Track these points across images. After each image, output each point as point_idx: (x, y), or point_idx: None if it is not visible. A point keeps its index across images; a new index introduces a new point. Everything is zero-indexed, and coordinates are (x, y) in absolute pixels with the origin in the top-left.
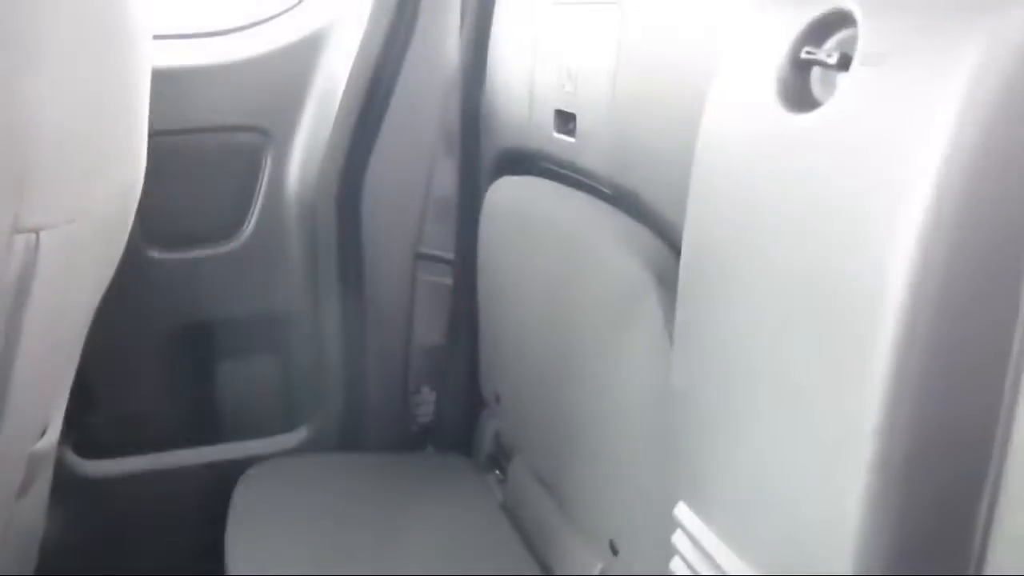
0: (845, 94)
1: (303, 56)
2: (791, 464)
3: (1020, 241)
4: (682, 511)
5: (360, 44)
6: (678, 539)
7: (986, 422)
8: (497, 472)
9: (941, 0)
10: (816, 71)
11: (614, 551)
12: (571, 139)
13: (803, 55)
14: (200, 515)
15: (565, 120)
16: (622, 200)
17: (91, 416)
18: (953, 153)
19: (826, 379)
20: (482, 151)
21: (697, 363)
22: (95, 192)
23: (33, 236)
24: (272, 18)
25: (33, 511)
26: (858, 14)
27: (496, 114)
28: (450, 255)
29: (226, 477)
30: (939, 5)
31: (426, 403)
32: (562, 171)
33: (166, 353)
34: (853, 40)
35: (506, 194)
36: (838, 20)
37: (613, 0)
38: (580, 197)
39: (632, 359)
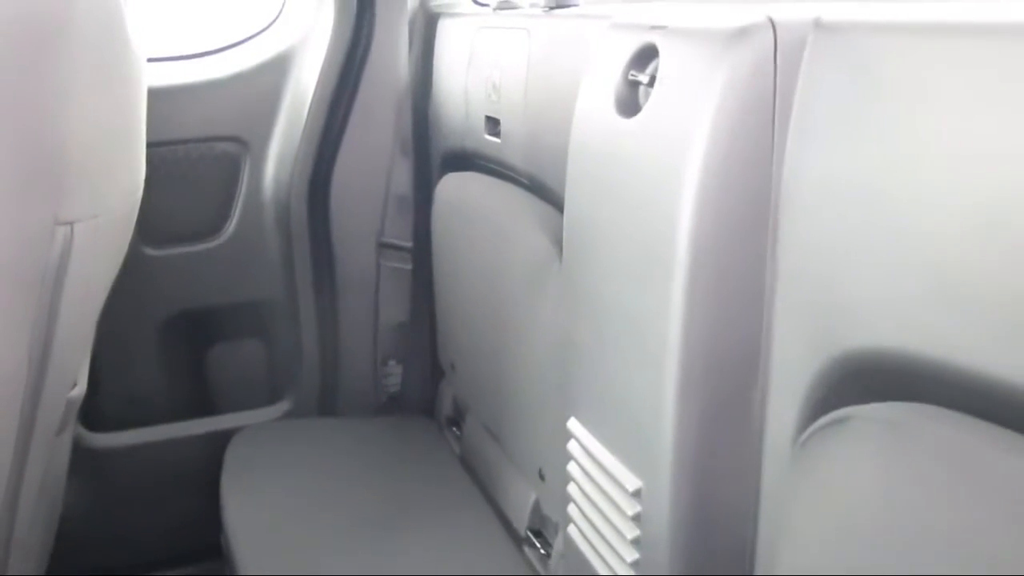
0: (652, 105)
1: (274, 74)
2: (633, 374)
3: (762, 205)
4: (573, 424)
5: (323, 62)
6: (572, 447)
7: (751, 329)
8: (455, 429)
9: (705, 38)
10: (641, 87)
11: (542, 478)
12: (497, 140)
13: (630, 77)
14: (195, 479)
15: (493, 124)
16: (536, 188)
17: (98, 395)
18: (712, 145)
19: (649, 310)
20: (431, 152)
21: (574, 307)
22: (110, 193)
23: (69, 228)
24: (244, 41)
25: (66, 448)
26: (660, 47)
27: (441, 120)
28: (408, 243)
29: (217, 445)
30: (703, 42)
31: (393, 375)
32: (493, 166)
33: (162, 338)
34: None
35: (451, 188)
36: (651, 52)
37: (523, 27)
38: (506, 188)
39: (542, 315)
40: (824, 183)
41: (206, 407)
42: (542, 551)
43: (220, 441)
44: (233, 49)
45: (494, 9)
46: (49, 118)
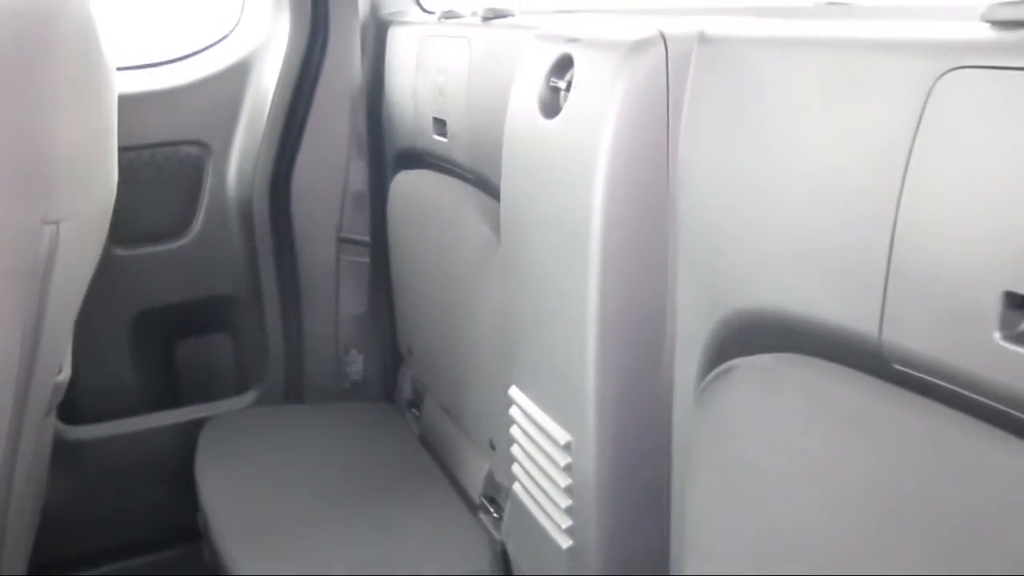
0: (568, 108)
1: (234, 80)
2: (561, 340)
3: (661, 191)
4: (514, 391)
5: (281, 68)
6: (514, 412)
7: (657, 296)
8: (414, 411)
9: (608, 50)
10: (561, 92)
11: (493, 447)
12: (444, 139)
13: (551, 83)
14: (169, 467)
15: (440, 125)
16: (479, 182)
17: (73, 389)
18: (617, 142)
19: (571, 283)
20: (385, 151)
21: (513, 286)
22: (89, 194)
23: (55, 227)
24: (205, 49)
25: (50, 433)
26: (575, 58)
27: (393, 121)
28: (366, 238)
29: (189, 434)
30: (607, 53)
31: (355, 362)
32: (441, 164)
33: (133, 334)
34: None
35: (404, 185)
36: (568, 61)
37: (464, 35)
38: (453, 183)
39: (487, 297)
40: (711, 171)
41: (177, 399)
42: (495, 515)
43: (192, 430)
44: (194, 57)
45: (439, 18)
46: (37, 129)
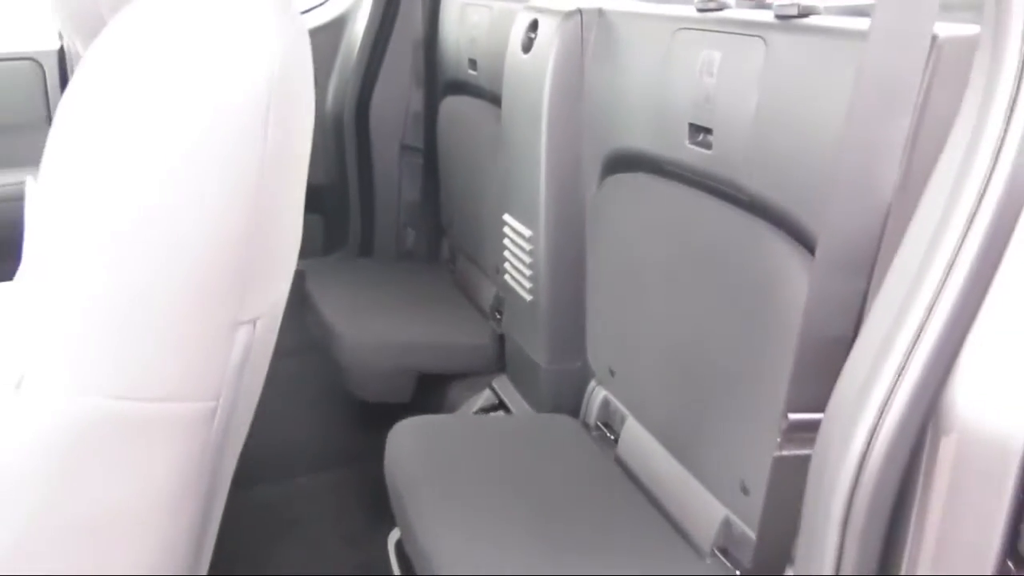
0: (535, 49)
1: (334, 29)
2: (529, 175)
3: (576, 95)
4: (506, 216)
5: (367, 23)
6: (505, 229)
7: (576, 145)
8: (450, 266)
9: (551, 18)
10: (532, 40)
11: (497, 272)
12: (475, 72)
13: (528, 35)
14: None
15: (473, 63)
16: (493, 99)
17: None
18: (556, 69)
19: (533, 143)
20: (436, 82)
21: (506, 155)
22: None
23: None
24: (314, 8)
25: None
26: (539, 21)
27: (442, 61)
28: (421, 146)
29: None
30: (550, 20)
31: (410, 236)
32: (474, 90)
33: None
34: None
35: (449, 108)
36: (536, 23)
37: (487, 5)
38: (480, 103)
39: (494, 172)
40: (601, 83)
41: None
42: (499, 316)
43: (296, 276)
44: (306, 13)
45: None
46: None
